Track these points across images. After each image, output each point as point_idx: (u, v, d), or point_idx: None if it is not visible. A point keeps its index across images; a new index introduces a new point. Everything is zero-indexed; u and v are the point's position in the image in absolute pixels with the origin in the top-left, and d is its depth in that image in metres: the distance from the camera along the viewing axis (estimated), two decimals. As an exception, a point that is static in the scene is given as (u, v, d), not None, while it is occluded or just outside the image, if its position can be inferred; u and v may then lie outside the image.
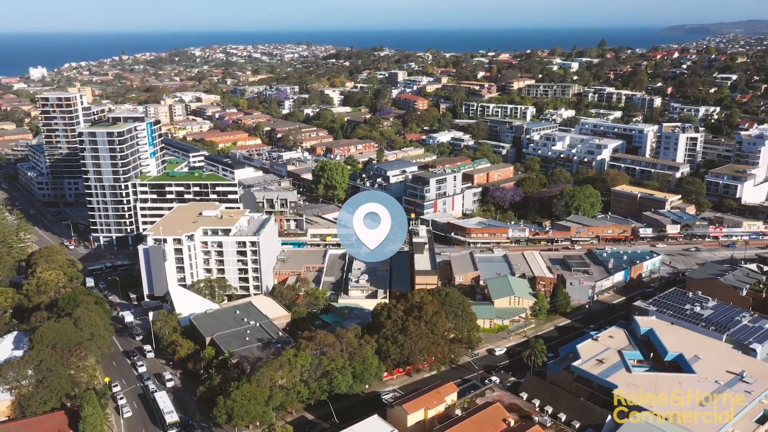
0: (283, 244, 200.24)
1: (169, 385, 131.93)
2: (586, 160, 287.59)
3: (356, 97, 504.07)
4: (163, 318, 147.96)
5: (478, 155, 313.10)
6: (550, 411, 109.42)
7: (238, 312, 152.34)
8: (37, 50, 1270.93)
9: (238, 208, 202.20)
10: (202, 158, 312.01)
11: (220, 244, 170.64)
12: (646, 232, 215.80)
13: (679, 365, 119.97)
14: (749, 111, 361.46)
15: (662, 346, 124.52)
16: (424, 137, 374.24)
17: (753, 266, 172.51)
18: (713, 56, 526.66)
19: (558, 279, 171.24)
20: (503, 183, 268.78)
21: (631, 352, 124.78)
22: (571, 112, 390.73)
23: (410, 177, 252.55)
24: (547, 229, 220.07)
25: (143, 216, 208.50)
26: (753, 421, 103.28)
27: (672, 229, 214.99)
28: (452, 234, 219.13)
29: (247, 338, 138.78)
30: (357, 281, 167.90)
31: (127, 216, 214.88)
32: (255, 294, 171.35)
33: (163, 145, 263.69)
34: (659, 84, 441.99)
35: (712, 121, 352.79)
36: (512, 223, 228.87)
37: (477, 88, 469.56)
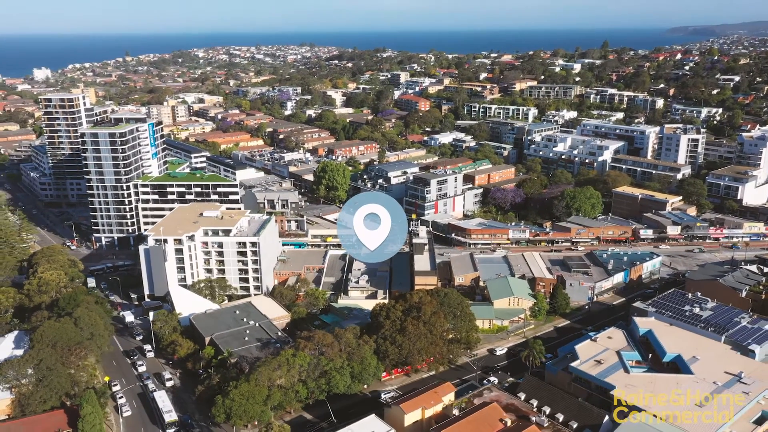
0: (283, 244, 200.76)
1: (169, 384, 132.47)
2: (587, 161, 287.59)
3: (358, 98, 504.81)
4: (163, 318, 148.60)
5: (480, 156, 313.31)
6: (547, 411, 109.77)
7: (237, 312, 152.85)
8: (41, 52, 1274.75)
9: (239, 208, 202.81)
10: (204, 159, 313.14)
11: (220, 245, 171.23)
12: (647, 233, 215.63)
13: (678, 366, 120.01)
14: (752, 112, 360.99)
15: (661, 347, 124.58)
16: (425, 138, 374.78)
17: (753, 267, 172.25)
18: (716, 58, 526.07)
19: (557, 280, 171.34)
20: (504, 184, 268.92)
21: (630, 353, 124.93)
22: (573, 114, 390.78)
23: (411, 178, 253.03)
24: (548, 230, 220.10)
25: (145, 216, 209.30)
26: (751, 422, 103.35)
27: (673, 231, 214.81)
28: (453, 235, 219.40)
29: (246, 338, 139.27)
30: (357, 282, 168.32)
31: (128, 216, 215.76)
32: (255, 294, 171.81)
33: (165, 145, 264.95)
34: (662, 85, 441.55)
35: (715, 122, 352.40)
36: (513, 224, 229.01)
37: (479, 89, 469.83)
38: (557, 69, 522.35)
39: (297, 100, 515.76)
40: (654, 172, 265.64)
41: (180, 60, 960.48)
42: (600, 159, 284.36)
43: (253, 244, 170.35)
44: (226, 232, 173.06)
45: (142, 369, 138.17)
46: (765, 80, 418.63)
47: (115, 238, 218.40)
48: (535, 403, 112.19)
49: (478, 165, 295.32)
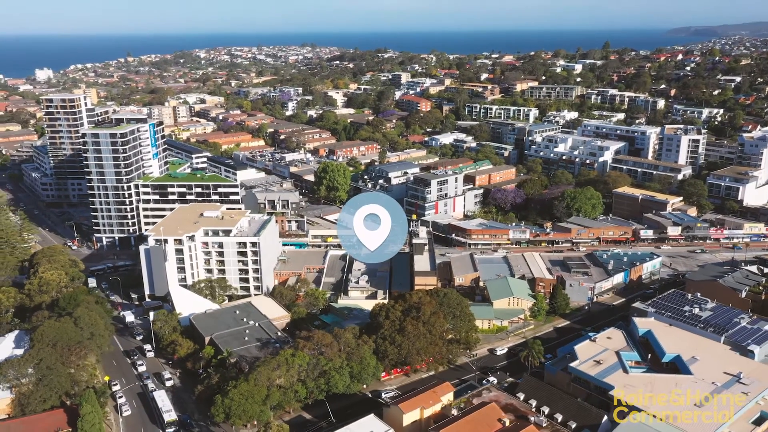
0: (284, 244, 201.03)
1: (168, 384, 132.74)
2: (588, 161, 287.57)
3: (359, 98, 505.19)
4: (163, 318, 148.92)
5: (481, 157, 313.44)
6: (546, 411, 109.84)
7: (237, 312, 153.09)
8: (43, 52, 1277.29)
9: (240, 209, 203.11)
10: (205, 159, 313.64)
11: (220, 245, 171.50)
12: (647, 233, 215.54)
13: (677, 366, 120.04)
14: (753, 113, 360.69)
15: (660, 347, 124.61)
16: (426, 139, 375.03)
17: (753, 268, 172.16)
18: (717, 58, 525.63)
19: (557, 280, 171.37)
20: (505, 185, 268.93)
21: (629, 354, 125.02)
22: (574, 114, 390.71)
23: (412, 178, 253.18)
24: (548, 230, 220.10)
25: (145, 217, 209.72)
26: (749, 423, 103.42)
27: (673, 231, 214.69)
28: (453, 235, 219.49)
29: (246, 338, 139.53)
30: (357, 282, 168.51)
31: (129, 216, 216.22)
32: (255, 294, 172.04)
33: (166, 146, 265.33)
34: (663, 86, 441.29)
35: (716, 123, 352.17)
36: (513, 224, 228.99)
37: (480, 89, 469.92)
38: (558, 69, 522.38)
39: (298, 100, 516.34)
40: (655, 172, 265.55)
41: (181, 60, 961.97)
42: (601, 160, 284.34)
43: (254, 244, 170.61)
44: (227, 233, 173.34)
45: (142, 369, 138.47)
46: (766, 81, 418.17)
47: (116, 238, 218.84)
48: (534, 403, 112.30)
49: (478, 165, 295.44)
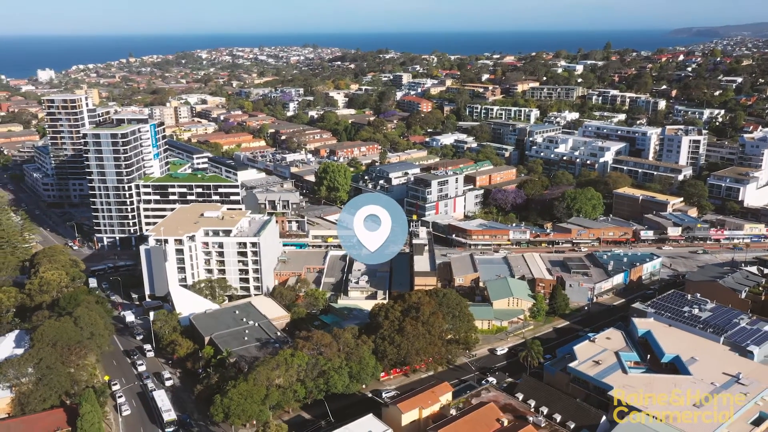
0: (284, 245, 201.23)
1: (168, 383, 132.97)
2: (588, 162, 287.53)
3: (361, 99, 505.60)
4: (163, 318, 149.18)
5: (481, 157, 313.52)
6: (545, 411, 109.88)
7: (237, 312, 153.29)
8: (45, 53, 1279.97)
9: (240, 209, 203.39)
10: (206, 160, 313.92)
11: (220, 245, 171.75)
12: (648, 234, 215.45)
13: (676, 367, 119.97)
14: (754, 114, 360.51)
15: (659, 347, 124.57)
16: (427, 139, 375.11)
17: (753, 269, 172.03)
18: (719, 59, 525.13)
19: (557, 281, 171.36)
20: (506, 185, 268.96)
21: (628, 354, 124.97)
22: (575, 115, 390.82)
23: (412, 179, 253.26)
24: (549, 231, 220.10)
25: (146, 217, 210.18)
26: (748, 423, 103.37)
27: (673, 232, 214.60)
28: (453, 236, 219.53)
29: (245, 338, 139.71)
30: (357, 282, 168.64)
31: (130, 217, 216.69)
32: (255, 294, 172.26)
33: (167, 146, 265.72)
34: (664, 87, 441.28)
35: (717, 123, 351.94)
36: (513, 225, 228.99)
37: (481, 90, 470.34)
38: (559, 70, 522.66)
39: (299, 101, 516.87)
40: (655, 173, 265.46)
41: (183, 61, 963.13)
42: (601, 160, 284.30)
43: (254, 244, 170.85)
44: (227, 233, 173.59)
45: (141, 368, 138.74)
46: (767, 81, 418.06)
47: (117, 238, 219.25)
48: (532, 403, 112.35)
49: (479, 166, 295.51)
